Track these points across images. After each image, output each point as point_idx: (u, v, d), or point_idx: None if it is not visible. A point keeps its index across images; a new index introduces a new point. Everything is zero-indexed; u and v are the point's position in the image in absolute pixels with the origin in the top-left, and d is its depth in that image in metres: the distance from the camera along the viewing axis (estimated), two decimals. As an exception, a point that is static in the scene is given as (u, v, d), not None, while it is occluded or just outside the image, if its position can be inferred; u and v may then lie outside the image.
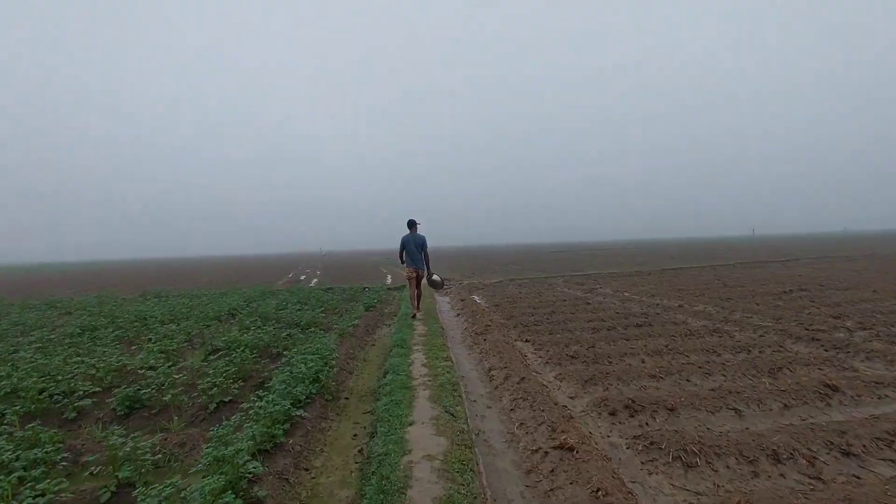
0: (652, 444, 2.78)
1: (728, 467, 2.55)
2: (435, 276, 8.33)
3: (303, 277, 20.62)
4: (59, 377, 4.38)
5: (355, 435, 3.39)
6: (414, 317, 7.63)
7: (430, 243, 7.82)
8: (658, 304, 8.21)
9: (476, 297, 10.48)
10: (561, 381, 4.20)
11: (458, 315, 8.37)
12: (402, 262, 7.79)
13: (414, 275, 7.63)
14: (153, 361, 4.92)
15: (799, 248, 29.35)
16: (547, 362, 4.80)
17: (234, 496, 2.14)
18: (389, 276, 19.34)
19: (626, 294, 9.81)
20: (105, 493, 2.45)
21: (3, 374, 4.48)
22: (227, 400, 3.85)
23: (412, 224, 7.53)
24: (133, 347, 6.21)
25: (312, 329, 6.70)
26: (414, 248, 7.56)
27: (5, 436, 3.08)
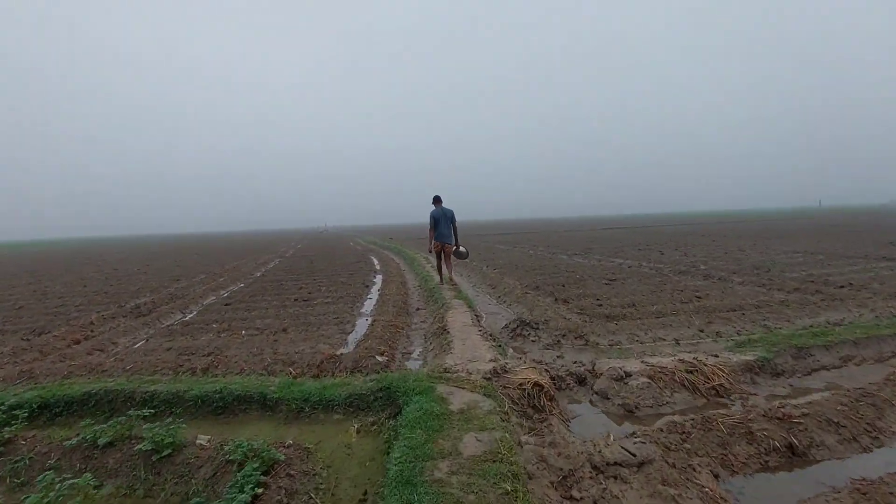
0: None
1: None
2: (462, 248, 8.19)
3: (207, 287, 11.15)
4: None
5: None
6: (441, 282, 8.07)
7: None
8: None
9: None
10: None
11: None
12: (432, 239, 7.84)
13: (440, 248, 7.81)
14: None
15: None
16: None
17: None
18: (377, 281, 9.81)
19: None
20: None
21: None
22: None
23: (437, 199, 7.63)
24: None
25: None
26: (444, 222, 7.65)
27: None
